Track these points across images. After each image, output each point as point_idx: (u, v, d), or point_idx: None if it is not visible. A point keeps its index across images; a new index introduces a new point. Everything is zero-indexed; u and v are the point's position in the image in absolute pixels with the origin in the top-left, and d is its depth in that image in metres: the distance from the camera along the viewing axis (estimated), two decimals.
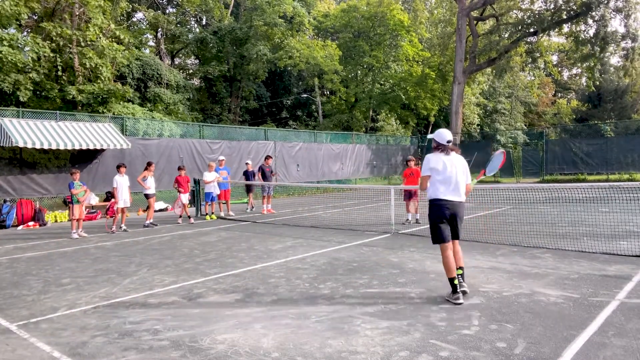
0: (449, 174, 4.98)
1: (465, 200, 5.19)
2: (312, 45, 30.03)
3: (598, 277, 5.66)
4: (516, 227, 9.65)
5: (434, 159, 5.05)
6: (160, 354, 3.73)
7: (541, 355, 3.47)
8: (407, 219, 11.18)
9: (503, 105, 46.10)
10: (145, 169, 12.15)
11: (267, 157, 15.46)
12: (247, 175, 15.28)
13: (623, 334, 3.84)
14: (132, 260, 7.56)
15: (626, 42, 30.39)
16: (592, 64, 30.91)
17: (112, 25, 20.06)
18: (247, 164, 15.50)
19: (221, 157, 14.95)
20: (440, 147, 5.11)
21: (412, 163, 11.39)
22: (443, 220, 5.01)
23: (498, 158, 5.98)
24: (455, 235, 5.12)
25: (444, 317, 4.39)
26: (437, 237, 5.06)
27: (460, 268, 5.09)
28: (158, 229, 11.41)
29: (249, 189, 15.57)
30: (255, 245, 8.66)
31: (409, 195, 11.15)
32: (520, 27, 31.15)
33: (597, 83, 36.59)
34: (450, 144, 5.09)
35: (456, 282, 4.89)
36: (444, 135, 5.10)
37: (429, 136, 5.48)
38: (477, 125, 41.53)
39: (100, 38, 18.23)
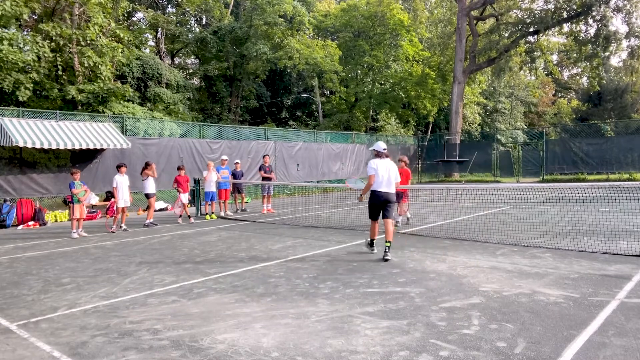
0: (384, 173, 7.13)
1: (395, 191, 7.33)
2: (312, 45, 29.98)
3: (598, 277, 5.66)
4: (516, 227, 9.65)
5: (374, 163, 7.16)
6: (160, 353, 3.73)
7: (541, 355, 3.47)
8: (406, 219, 10.99)
9: (503, 105, 46.11)
10: (145, 169, 12.14)
11: (265, 156, 15.43)
12: (235, 175, 14.74)
13: (623, 334, 3.84)
14: (132, 260, 7.56)
15: (629, 41, 30.35)
16: (596, 64, 30.79)
17: (113, 24, 20.03)
18: (236, 163, 15.00)
19: (224, 157, 14.87)
20: (379, 154, 7.25)
21: (402, 163, 10.35)
22: (377, 205, 7.21)
23: (352, 182, 9.31)
24: (387, 215, 7.20)
25: (444, 316, 4.39)
26: (372, 215, 7.35)
27: (389, 242, 7.02)
28: (158, 229, 11.41)
29: (234, 189, 14.80)
30: (255, 245, 8.66)
31: (399, 197, 9.76)
32: (520, 27, 31.16)
33: (602, 82, 36.32)
34: (385, 151, 7.28)
35: (374, 242, 7.51)
36: (381, 145, 7.30)
37: (372, 147, 7.58)
38: (478, 124, 41.53)
39: (100, 37, 18.20)
